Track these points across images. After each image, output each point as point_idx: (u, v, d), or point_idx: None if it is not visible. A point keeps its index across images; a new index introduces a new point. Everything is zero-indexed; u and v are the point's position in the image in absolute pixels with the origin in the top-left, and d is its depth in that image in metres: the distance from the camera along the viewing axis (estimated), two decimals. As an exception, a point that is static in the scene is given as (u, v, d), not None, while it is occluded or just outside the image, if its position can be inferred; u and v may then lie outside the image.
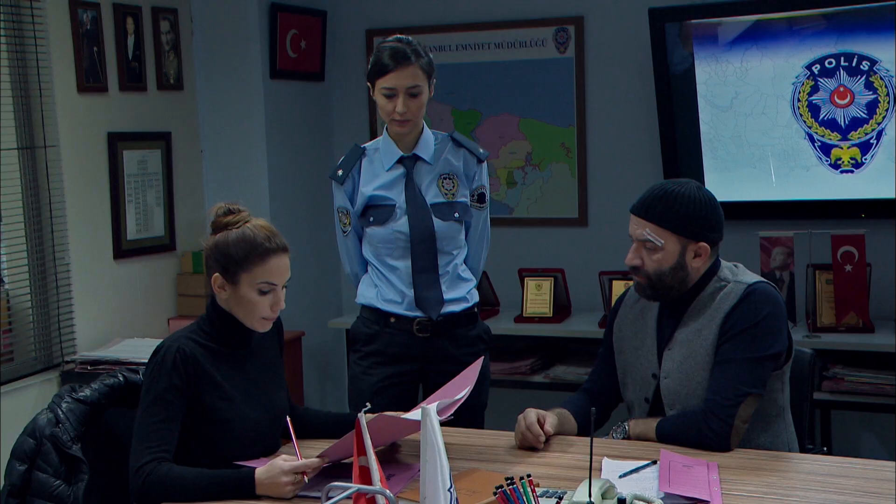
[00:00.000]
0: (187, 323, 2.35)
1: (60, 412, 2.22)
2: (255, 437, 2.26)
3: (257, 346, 2.34)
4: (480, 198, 2.89)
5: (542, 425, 2.34)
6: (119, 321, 3.99)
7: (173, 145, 4.24)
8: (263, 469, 2.07)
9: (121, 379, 2.38)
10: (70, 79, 3.76)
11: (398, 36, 2.78)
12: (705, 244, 2.35)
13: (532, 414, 2.36)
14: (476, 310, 2.93)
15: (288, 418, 2.19)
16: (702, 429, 2.26)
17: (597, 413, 2.47)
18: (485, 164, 2.90)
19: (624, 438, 2.38)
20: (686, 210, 2.33)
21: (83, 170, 3.83)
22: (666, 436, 2.31)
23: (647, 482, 2.06)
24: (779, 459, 2.22)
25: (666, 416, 2.37)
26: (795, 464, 2.20)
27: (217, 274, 2.23)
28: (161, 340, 2.26)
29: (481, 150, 2.91)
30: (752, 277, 2.40)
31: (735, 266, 2.44)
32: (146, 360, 3.61)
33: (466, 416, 2.79)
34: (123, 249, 4.01)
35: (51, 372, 3.72)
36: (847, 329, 3.72)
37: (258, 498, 2.06)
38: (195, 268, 4.22)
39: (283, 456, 2.12)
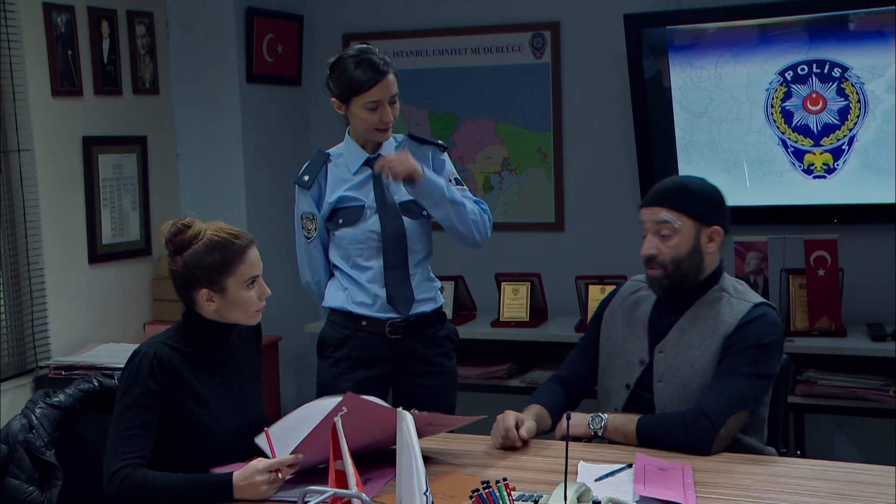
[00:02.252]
0: (163, 327, 2.34)
1: (34, 418, 2.21)
2: (232, 443, 2.25)
3: (234, 352, 2.33)
4: (457, 181, 2.91)
5: (518, 429, 2.34)
6: (94, 326, 3.96)
7: (149, 149, 4.22)
8: (240, 472, 2.07)
9: (96, 384, 2.36)
10: (44, 82, 3.74)
11: (360, 47, 2.77)
12: (718, 227, 2.41)
13: (510, 417, 2.37)
14: (444, 310, 2.95)
15: (268, 431, 2.17)
16: (688, 431, 2.26)
17: (567, 400, 2.51)
18: (446, 154, 2.93)
19: (600, 429, 2.37)
20: (698, 194, 2.41)
21: (58, 174, 3.81)
22: (646, 434, 2.31)
23: (622, 485, 2.07)
24: (753, 462, 2.24)
25: (651, 414, 2.37)
26: (769, 467, 2.21)
27: (204, 289, 2.21)
28: (137, 346, 2.25)
29: (440, 141, 2.94)
30: (759, 297, 2.44)
31: (739, 283, 2.48)
32: (122, 365, 3.57)
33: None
34: (98, 254, 3.98)
35: (24, 377, 3.69)
36: (820, 333, 3.75)
37: (236, 502, 2.06)
38: (171, 272, 4.20)
39: (259, 459, 2.12)
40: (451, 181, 2.88)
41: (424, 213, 2.85)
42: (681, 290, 2.41)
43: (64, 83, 3.80)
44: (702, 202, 2.40)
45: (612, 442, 2.37)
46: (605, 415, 2.39)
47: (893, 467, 2.14)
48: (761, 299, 2.43)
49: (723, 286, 2.43)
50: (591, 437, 2.39)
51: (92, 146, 3.93)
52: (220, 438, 2.22)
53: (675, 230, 2.37)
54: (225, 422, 2.23)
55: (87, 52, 3.91)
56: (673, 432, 2.28)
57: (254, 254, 2.24)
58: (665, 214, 2.38)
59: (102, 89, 3.98)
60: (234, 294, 2.21)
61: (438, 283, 2.95)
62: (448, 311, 4.20)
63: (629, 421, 2.35)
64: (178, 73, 4.35)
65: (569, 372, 2.59)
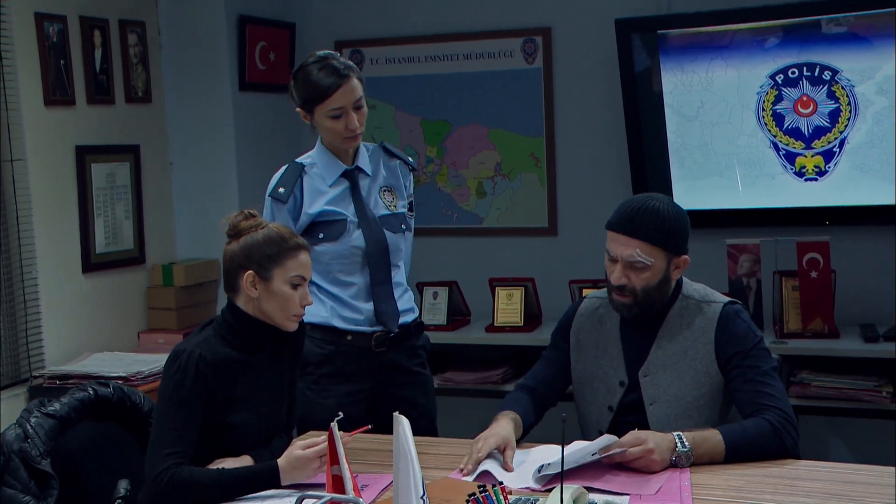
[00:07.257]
0: (158, 336, 2.35)
1: (29, 427, 2.21)
2: (248, 443, 2.27)
3: (268, 358, 2.33)
4: (411, 206, 2.90)
5: (504, 451, 2.26)
6: (88, 335, 3.95)
7: (142, 158, 4.22)
8: (283, 458, 2.14)
9: (90, 393, 2.36)
10: (37, 92, 3.73)
11: (319, 54, 2.70)
12: (686, 257, 2.39)
13: (493, 441, 2.26)
14: (422, 320, 2.95)
15: (334, 425, 2.00)
16: (782, 438, 2.23)
17: (535, 410, 2.48)
18: (412, 175, 2.92)
19: (688, 452, 2.19)
20: (669, 225, 2.34)
21: (51, 183, 3.80)
22: (737, 452, 2.21)
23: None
24: (747, 464, 2.24)
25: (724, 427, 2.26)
26: (763, 468, 2.22)
27: (250, 272, 2.24)
28: (177, 344, 2.27)
29: (410, 159, 2.92)
30: (721, 296, 2.44)
31: (699, 286, 2.47)
32: (116, 374, 3.56)
33: (420, 425, 2.76)
34: (92, 263, 3.98)
35: (19, 387, 3.68)
36: (813, 335, 3.77)
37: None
38: (165, 281, 4.20)
39: (296, 445, 2.18)
40: (408, 205, 2.87)
41: (403, 227, 2.82)
42: (649, 313, 2.41)
43: (56, 92, 3.80)
44: (675, 234, 2.35)
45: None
46: (683, 435, 2.21)
47: (887, 467, 2.15)
48: (727, 298, 2.44)
49: (686, 294, 2.43)
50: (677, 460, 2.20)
51: (85, 155, 3.93)
52: (240, 437, 2.25)
53: (649, 265, 2.34)
54: (249, 422, 2.25)
55: (79, 62, 3.91)
56: (767, 445, 2.23)
57: (305, 256, 2.29)
58: (639, 253, 2.33)
59: (95, 98, 3.98)
60: (277, 286, 2.24)
61: (412, 293, 2.91)
62: (442, 317, 4.22)
63: (711, 441, 2.21)
64: (170, 82, 4.36)
65: (536, 382, 2.56)
